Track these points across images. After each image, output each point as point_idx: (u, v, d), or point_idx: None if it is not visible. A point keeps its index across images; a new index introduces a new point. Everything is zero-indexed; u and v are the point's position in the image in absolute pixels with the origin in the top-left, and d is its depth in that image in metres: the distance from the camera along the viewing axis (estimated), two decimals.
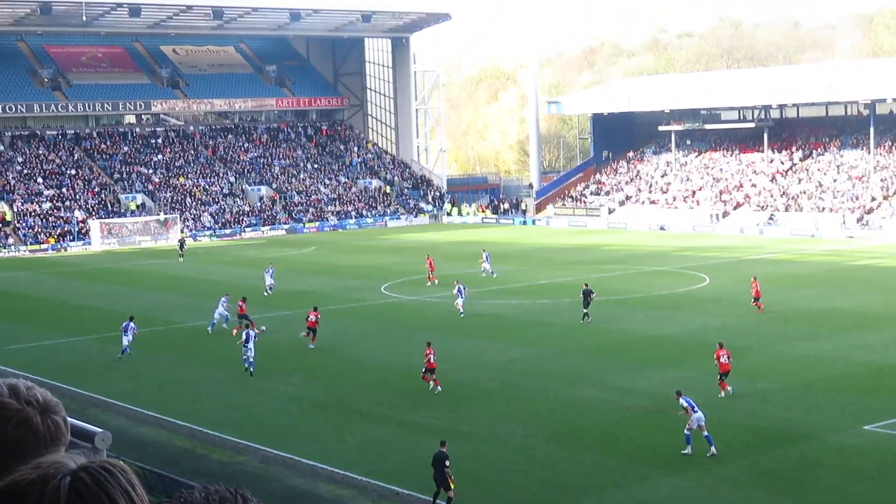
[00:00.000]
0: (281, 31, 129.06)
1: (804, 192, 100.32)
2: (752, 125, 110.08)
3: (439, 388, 37.99)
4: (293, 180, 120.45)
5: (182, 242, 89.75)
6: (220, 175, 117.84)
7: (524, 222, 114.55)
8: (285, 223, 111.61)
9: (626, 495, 27.13)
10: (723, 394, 35.85)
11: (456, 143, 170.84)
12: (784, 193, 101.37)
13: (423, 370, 38.60)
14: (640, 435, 32.24)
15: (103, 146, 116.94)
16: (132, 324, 46.95)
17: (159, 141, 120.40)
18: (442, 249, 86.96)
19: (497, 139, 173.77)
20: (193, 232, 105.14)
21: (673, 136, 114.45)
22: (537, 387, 38.40)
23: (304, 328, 47.67)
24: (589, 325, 49.81)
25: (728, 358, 36.60)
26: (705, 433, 29.84)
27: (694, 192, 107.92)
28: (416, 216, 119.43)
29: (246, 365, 42.34)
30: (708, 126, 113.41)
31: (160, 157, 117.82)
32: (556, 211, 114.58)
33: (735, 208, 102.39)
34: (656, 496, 27.02)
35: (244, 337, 42.85)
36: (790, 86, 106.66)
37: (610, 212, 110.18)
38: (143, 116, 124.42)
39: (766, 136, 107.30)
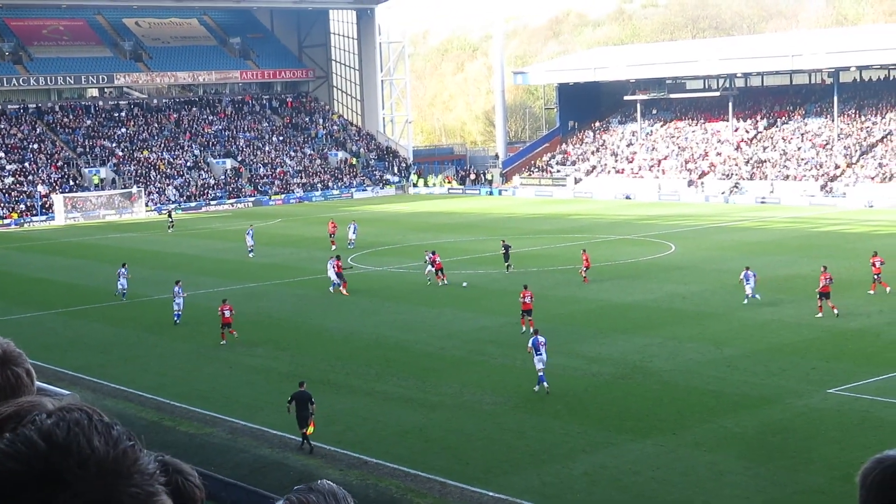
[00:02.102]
0: (244, 3, 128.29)
1: (769, 161, 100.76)
2: (716, 94, 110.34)
3: (235, 333, 42.03)
4: (258, 153, 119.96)
5: (170, 213, 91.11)
6: (185, 148, 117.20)
7: (490, 193, 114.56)
8: (251, 196, 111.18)
9: (592, 461, 27.27)
10: (524, 329, 40.21)
11: (422, 115, 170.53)
12: (749, 161, 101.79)
13: (221, 326, 42.36)
14: (606, 401, 32.42)
15: (66, 120, 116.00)
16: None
17: (122, 114, 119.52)
18: (408, 220, 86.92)
19: (463, 110, 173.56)
20: (158, 205, 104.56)
21: (638, 105, 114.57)
22: (504, 355, 38.50)
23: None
24: (554, 295, 50.04)
25: (531, 298, 42.08)
26: (540, 374, 33.20)
27: (660, 162, 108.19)
28: (382, 188, 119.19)
29: (175, 317, 46.57)
30: (673, 95, 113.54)
31: (124, 130, 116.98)
32: (522, 181, 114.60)
33: (700, 177, 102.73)
34: (622, 461, 27.16)
35: (173, 293, 47.03)
36: (755, 55, 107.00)
37: (576, 181, 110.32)
38: (105, 90, 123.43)
39: (730, 104, 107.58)
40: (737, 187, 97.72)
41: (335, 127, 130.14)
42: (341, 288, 52.53)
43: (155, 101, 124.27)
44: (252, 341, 42.85)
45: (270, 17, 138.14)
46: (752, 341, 39.18)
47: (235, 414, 32.48)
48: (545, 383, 33.15)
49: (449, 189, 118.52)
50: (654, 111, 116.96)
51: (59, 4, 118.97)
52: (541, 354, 33.53)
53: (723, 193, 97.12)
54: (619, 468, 26.71)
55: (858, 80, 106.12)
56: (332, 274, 53.42)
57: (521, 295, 42.64)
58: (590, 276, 53.74)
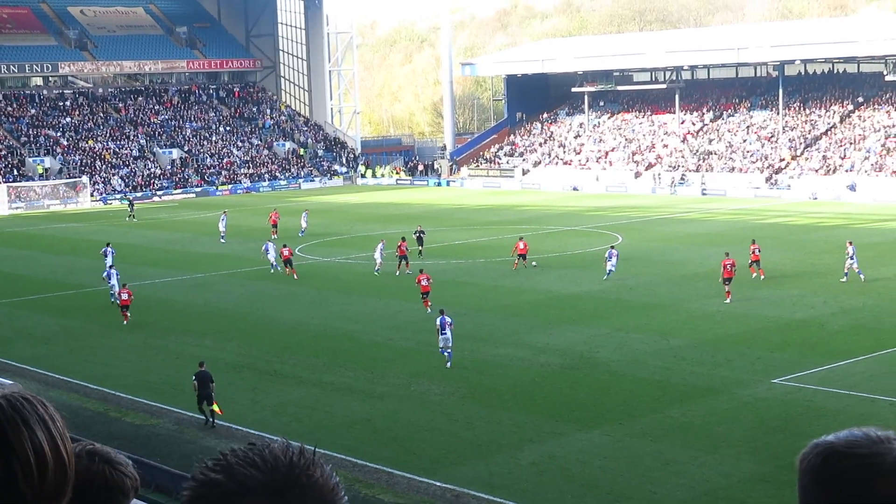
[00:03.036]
0: None
1: (715, 153, 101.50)
2: (663, 86, 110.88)
3: (127, 319, 43.95)
4: (205, 143, 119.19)
5: (131, 202, 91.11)
6: (131, 138, 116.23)
7: (439, 184, 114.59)
8: (198, 186, 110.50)
9: (540, 450, 27.38)
10: (429, 310, 43.24)
11: (370, 105, 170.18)
12: (695, 153, 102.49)
13: (121, 308, 44.59)
14: (553, 392, 32.57)
15: (10, 109, 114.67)
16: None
17: (67, 103, 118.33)
18: (357, 211, 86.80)
19: (411, 101, 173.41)
20: (104, 195, 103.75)
21: (586, 97, 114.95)
22: (453, 346, 38.50)
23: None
24: (502, 286, 50.24)
25: (428, 281, 44.66)
26: (447, 352, 35.65)
27: (607, 153, 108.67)
28: (330, 178, 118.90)
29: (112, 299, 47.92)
30: (620, 87, 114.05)
31: (69, 119, 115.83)
32: (470, 172, 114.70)
33: (647, 168, 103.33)
34: (570, 451, 27.31)
35: (105, 275, 49.66)
36: (701, 48, 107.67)
37: (524, 173, 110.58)
38: (50, 79, 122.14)
39: (677, 97, 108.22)
40: (683, 179, 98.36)
41: (283, 117, 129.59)
42: (289, 271, 54.15)
43: (100, 90, 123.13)
44: (200, 332, 42.65)
45: (217, 7, 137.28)
46: (698, 332, 39.51)
47: (182, 405, 32.29)
48: (450, 358, 35.59)
49: (397, 180, 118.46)
50: (602, 103, 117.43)
51: None
52: (445, 333, 35.67)
53: (670, 185, 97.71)
54: (566, 458, 26.85)
55: (803, 73, 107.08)
56: (271, 256, 55.58)
57: (417, 279, 45.19)
58: (538, 265, 54.01)
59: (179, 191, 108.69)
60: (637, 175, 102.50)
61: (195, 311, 46.93)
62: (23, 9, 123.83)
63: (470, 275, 53.65)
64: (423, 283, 44.67)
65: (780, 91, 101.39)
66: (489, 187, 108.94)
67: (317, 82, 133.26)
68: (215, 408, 30.30)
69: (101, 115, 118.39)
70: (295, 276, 53.52)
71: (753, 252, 49.48)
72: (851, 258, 48.01)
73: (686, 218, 76.33)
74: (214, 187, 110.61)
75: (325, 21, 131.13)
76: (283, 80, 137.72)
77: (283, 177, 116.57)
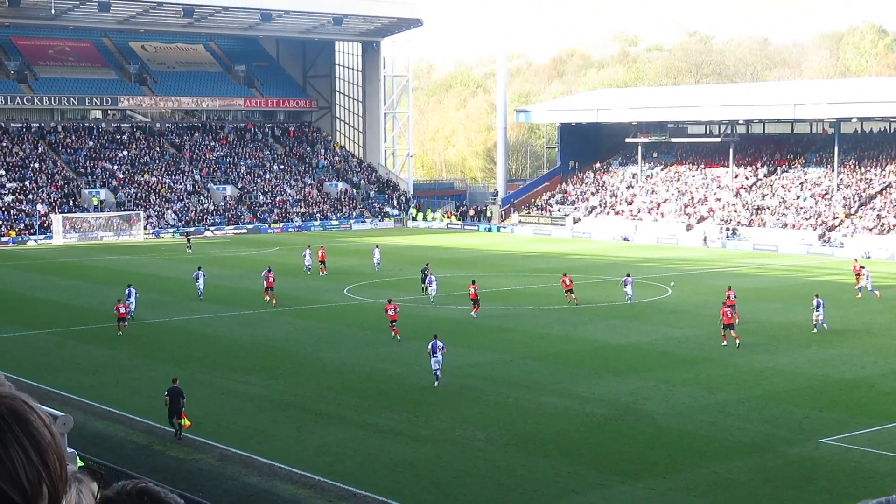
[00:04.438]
0: (251, 31, 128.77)
1: (768, 208, 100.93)
2: (718, 140, 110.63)
3: (121, 332, 48.70)
4: (259, 180, 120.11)
5: (188, 237, 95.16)
6: (186, 173, 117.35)
7: (489, 229, 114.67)
8: (250, 223, 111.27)
9: (582, 501, 27.17)
10: (399, 338, 47.06)
11: (423, 149, 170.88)
12: (748, 208, 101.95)
13: (118, 321, 48.67)
14: (598, 442, 32.33)
15: (68, 140, 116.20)
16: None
17: (125, 137, 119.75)
18: (406, 254, 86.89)
19: (464, 146, 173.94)
20: (157, 229, 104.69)
21: (639, 148, 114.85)
22: (497, 392, 38.42)
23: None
24: (549, 334, 50.07)
25: (395, 310, 47.98)
26: (437, 372, 38.70)
27: (659, 205, 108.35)
28: (381, 220, 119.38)
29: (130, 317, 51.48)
30: (674, 139, 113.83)
31: (125, 153, 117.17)
32: (521, 219, 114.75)
33: (699, 221, 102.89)
34: (613, 503, 27.06)
35: (127, 293, 53.26)
36: (757, 102, 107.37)
37: (575, 221, 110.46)
38: (109, 112, 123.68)
39: (731, 151, 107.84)
40: (734, 234, 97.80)
41: (336, 158, 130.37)
42: (271, 298, 58.21)
43: (158, 125, 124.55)
44: (246, 368, 42.77)
45: (276, 47, 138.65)
46: (746, 387, 39.11)
47: (225, 441, 32.35)
48: (439, 378, 38.71)
49: (448, 224, 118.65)
50: (655, 154, 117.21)
51: (67, 25, 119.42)
52: (437, 356, 38.57)
53: (718, 238, 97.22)
54: None
55: (859, 131, 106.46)
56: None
57: (385, 308, 48.54)
58: (585, 314, 53.84)
59: (231, 227, 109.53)
60: (689, 228, 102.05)
61: (242, 348, 47.08)
62: (85, 42, 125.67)
63: (517, 321, 53.53)
64: (391, 312, 47.79)
65: (836, 148, 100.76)
66: (540, 234, 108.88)
67: (371, 124, 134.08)
68: (184, 421, 32.29)
69: (158, 149, 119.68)
70: (274, 303, 57.56)
71: (729, 298, 51.45)
72: (817, 310, 49.88)
73: (737, 272, 75.78)
74: (266, 225, 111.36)
75: (381, 64, 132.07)
76: (338, 120, 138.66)
77: (334, 217, 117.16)
